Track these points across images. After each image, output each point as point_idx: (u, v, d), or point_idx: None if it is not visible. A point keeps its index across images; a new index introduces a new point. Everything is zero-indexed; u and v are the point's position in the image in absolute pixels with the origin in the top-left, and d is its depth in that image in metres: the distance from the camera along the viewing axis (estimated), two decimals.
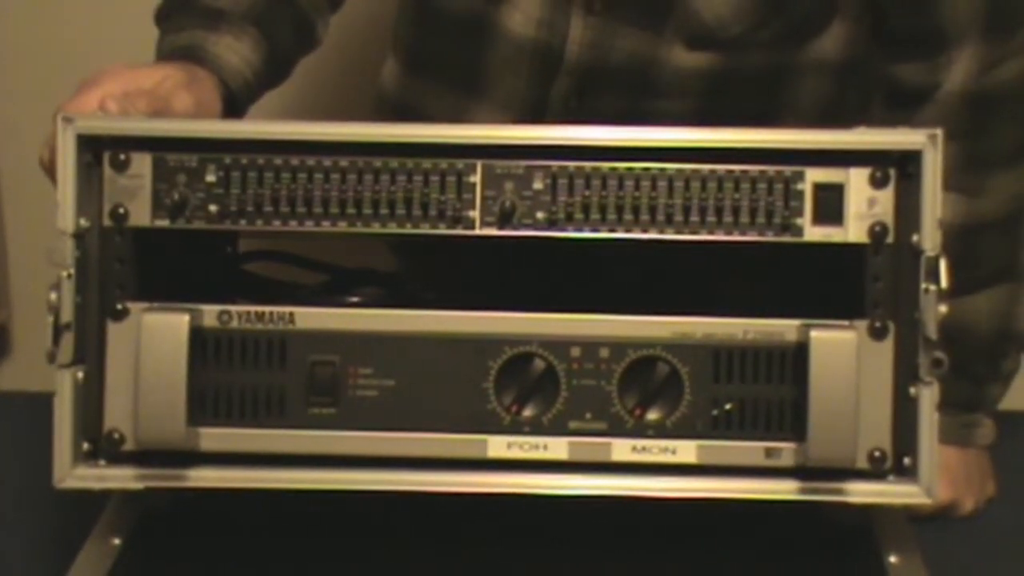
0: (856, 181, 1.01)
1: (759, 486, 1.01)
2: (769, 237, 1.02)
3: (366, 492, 1.01)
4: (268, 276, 1.19)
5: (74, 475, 1.02)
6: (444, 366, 1.01)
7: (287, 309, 1.02)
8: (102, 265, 1.02)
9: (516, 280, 1.10)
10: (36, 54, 2.01)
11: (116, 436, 1.01)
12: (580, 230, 1.02)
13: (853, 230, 1.01)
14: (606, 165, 1.01)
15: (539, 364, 1.01)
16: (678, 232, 1.02)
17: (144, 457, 1.02)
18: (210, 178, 1.02)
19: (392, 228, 1.02)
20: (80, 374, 1.01)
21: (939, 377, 1.00)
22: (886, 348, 1.01)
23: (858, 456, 1.00)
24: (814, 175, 1.01)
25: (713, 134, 1.02)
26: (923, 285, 0.99)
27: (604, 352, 1.01)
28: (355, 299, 1.14)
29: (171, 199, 1.02)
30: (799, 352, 1.00)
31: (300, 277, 1.20)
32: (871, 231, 1.01)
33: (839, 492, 1.02)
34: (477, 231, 1.02)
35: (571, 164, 1.01)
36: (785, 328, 1.01)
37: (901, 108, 1.29)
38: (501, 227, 1.02)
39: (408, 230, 1.02)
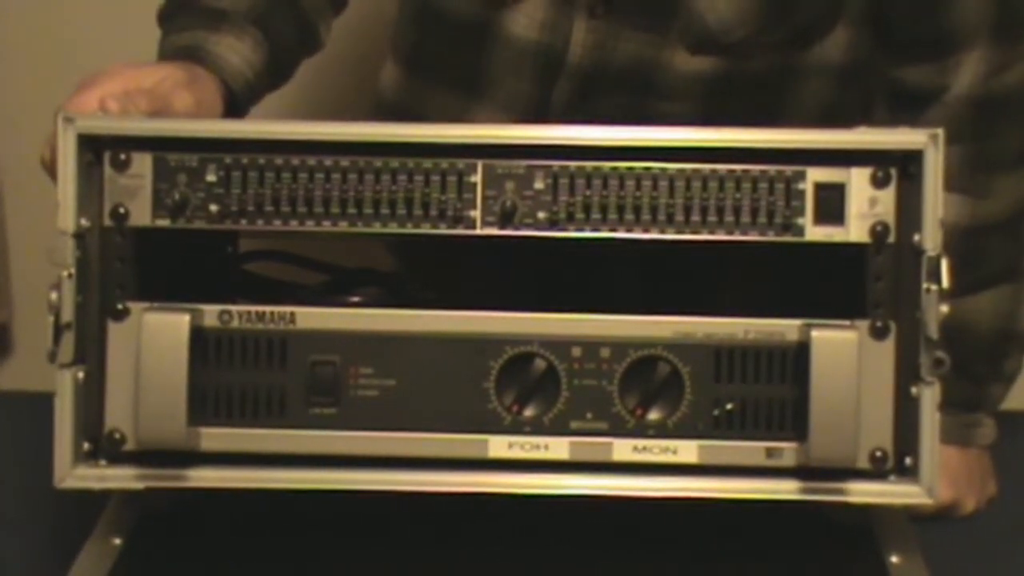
0: (857, 181, 1.01)
1: (760, 486, 1.01)
2: (770, 237, 1.01)
3: (367, 492, 1.01)
4: (269, 276, 1.19)
5: (75, 475, 1.02)
6: (445, 366, 1.01)
7: (288, 309, 1.02)
8: (103, 265, 1.02)
9: (517, 280, 1.10)
10: (36, 54, 2.01)
11: (117, 436, 1.01)
12: (581, 230, 1.02)
13: (854, 230, 1.01)
14: (607, 165, 1.01)
15: (540, 364, 1.01)
16: (679, 232, 1.02)
17: (144, 457, 1.02)
18: (211, 178, 1.02)
19: (393, 228, 1.02)
20: (81, 374, 1.01)
21: (940, 377, 1.00)
22: (887, 348, 1.01)
23: (859, 456, 1.00)
24: (815, 175, 1.01)
25: (714, 134, 1.02)
26: (924, 285, 0.99)
27: (605, 352, 1.01)
28: (356, 299, 1.14)
29: (172, 199, 1.01)
30: (800, 352, 1.00)
31: (300, 277, 1.20)
32: (872, 231, 1.01)
33: (840, 492, 1.02)
34: (478, 231, 1.02)
35: (572, 164, 1.01)
36: (786, 328, 1.01)
37: (907, 110, 1.29)
38: (502, 227, 1.02)
39: (409, 230, 1.02)
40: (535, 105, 1.32)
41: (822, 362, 0.98)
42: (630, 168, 1.01)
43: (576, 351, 1.01)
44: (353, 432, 1.02)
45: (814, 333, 0.99)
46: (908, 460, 1.01)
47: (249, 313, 1.02)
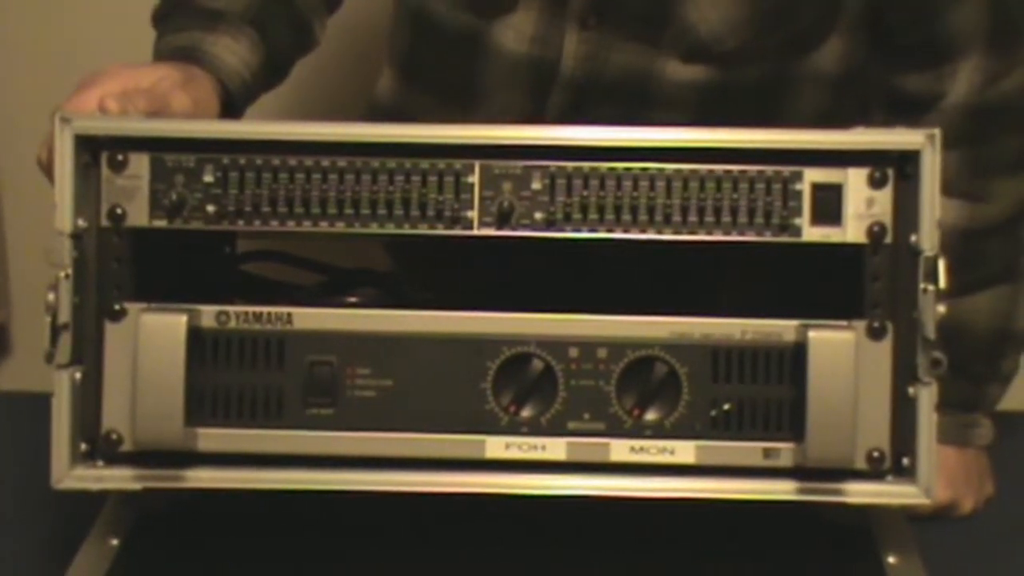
0: (854, 181, 1.01)
1: (757, 486, 1.01)
2: (768, 237, 1.01)
3: (364, 492, 1.01)
4: (266, 276, 1.19)
5: (72, 476, 1.02)
6: (442, 366, 1.01)
7: (285, 309, 1.02)
8: (100, 265, 1.02)
9: (514, 280, 1.10)
10: (36, 54, 2.01)
11: (114, 437, 1.01)
12: (578, 230, 1.02)
13: (851, 230, 1.01)
14: (604, 165, 1.01)
15: (537, 364, 1.01)
16: (676, 232, 1.02)
17: (142, 458, 1.02)
18: (208, 178, 1.02)
19: (390, 228, 1.02)
20: (78, 374, 1.01)
21: (938, 377, 1.00)
22: (884, 348, 1.01)
23: (856, 456, 1.00)
24: (812, 175, 1.01)
25: (711, 134, 1.02)
26: (921, 285, 0.99)
27: (602, 352, 1.01)
28: (353, 299, 1.14)
29: (169, 199, 1.02)
30: (797, 352, 1.00)
31: (298, 277, 1.20)
32: (869, 231, 1.01)
33: (837, 492, 1.01)
34: (475, 231, 1.02)
35: (569, 164, 1.01)
36: (783, 328, 1.01)
37: (904, 117, 1.29)
38: (499, 227, 1.02)
39: (406, 230, 1.02)
40: (528, 116, 1.31)
41: (819, 362, 0.98)
42: (627, 168, 1.01)
43: (573, 351, 1.01)
44: (350, 433, 1.02)
45: (811, 333, 0.99)
46: (905, 460, 1.01)
47: (246, 314, 1.02)
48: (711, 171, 1.01)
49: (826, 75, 1.32)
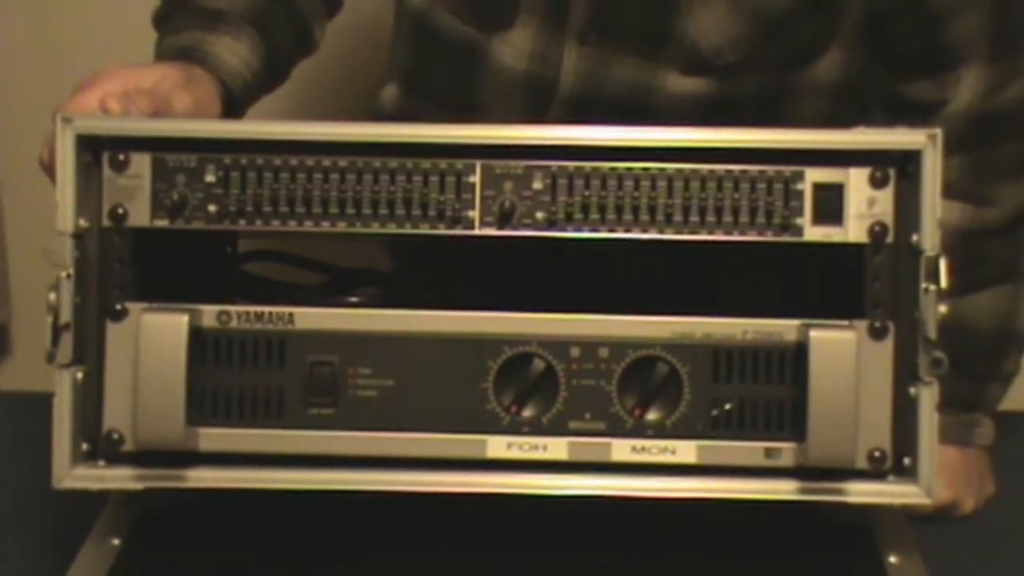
0: (856, 181, 1.01)
1: (759, 486, 1.01)
2: (769, 237, 1.01)
3: (365, 492, 1.01)
4: (267, 276, 1.19)
5: (73, 475, 1.02)
6: (443, 366, 1.01)
7: (286, 309, 1.02)
8: (101, 265, 1.02)
9: (515, 280, 1.10)
10: (36, 54, 2.01)
11: (115, 436, 1.01)
12: (579, 230, 1.02)
13: (853, 230, 1.01)
14: (605, 165, 1.01)
15: (538, 364, 1.01)
16: (678, 232, 1.01)
17: (143, 457, 1.02)
18: (209, 178, 1.02)
19: (391, 228, 1.02)
20: (79, 374, 1.01)
21: (939, 377, 1.00)
22: (886, 348, 1.01)
23: (858, 456, 1.00)
24: (814, 175, 1.01)
25: (713, 134, 1.02)
26: (923, 285, 0.99)
27: (603, 352, 1.01)
28: (354, 299, 1.14)
29: (170, 199, 1.01)
30: (799, 352, 1.00)
31: (299, 277, 1.20)
32: (871, 231, 1.01)
33: (839, 492, 1.01)
34: (476, 231, 1.02)
35: (571, 164, 1.01)
36: (785, 328, 1.01)
37: (906, 120, 1.29)
38: (500, 227, 1.02)
39: (407, 230, 1.02)
40: None
41: (820, 362, 0.98)
42: (628, 168, 1.01)
43: (575, 351, 1.01)
44: (351, 432, 1.02)
45: (812, 333, 0.99)
46: (907, 460, 1.01)
47: (248, 313, 1.02)
48: (712, 171, 1.01)
49: (826, 84, 1.32)
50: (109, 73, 1.12)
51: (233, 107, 1.21)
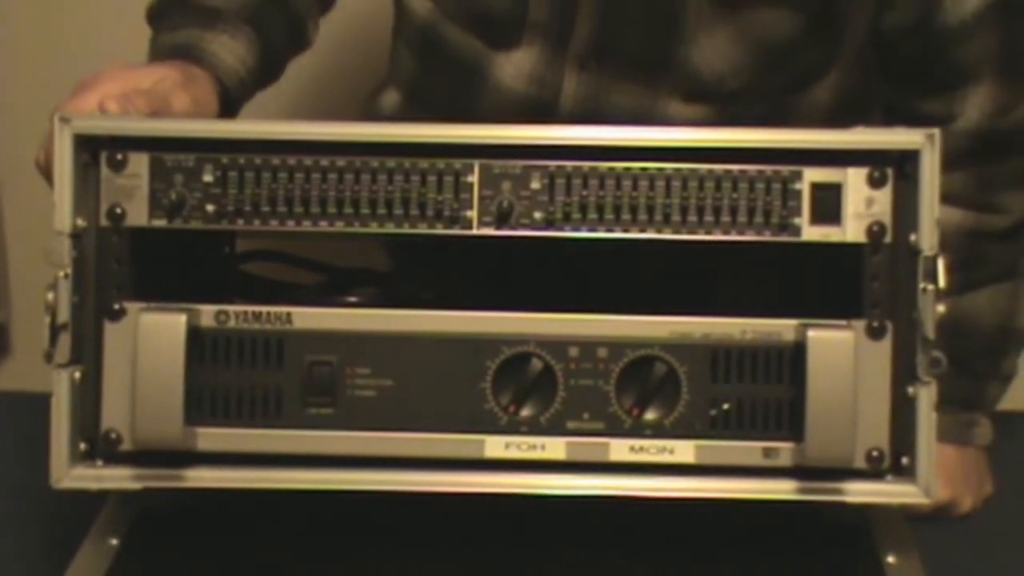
0: (854, 181, 1.01)
1: (757, 486, 1.01)
2: (767, 237, 1.01)
3: (364, 492, 1.01)
4: (265, 276, 1.19)
5: (71, 475, 1.02)
6: (441, 366, 1.01)
7: (284, 309, 1.02)
8: (99, 265, 1.02)
9: (513, 280, 1.10)
10: (36, 54, 2.01)
11: (113, 436, 1.01)
12: (578, 230, 1.02)
13: (851, 230, 1.01)
14: (604, 165, 1.01)
15: (537, 364, 1.01)
16: (676, 232, 1.01)
17: (141, 457, 1.02)
18: (207, 178, 1.02)
19: (390, 228, 1.02)
20: (77, 374, 1.01)
21: (937, 376, 1.00)
22: (884, 348, 1.01)
23: (856, 456, 1.00)
24: (812, 175, 1.01)
25: (711, 134, 1.02)
26: (921, 285, 0.99)
27: (602, 352, 1.01)
28: (353, 299, 1.14)
29: (168, 199, 1.01)
30: (797, 352, 1.00)
31: (297, 277, 1.20)
32: (869, 231, 1.01)
33: (837, 492, 1.01)
34: (474, 231, 1.02)
35: (569, 164, 1.01)
36: (783, 328, 1.01)
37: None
38: (499, 227, 1.02)
39: (405, 230, 1.02)
40: None
41: (819, 362, 0.98)
42: (627, 168, 1.01)
43: (573, 351, 1.01)
44: (350, 432, 1.02)
45: (811, 333, 0.99)
46: (905, 460, 1.01)
47: (246, 313, 1.02)
48: (711, 171, 1.01)
49: (823, 104, 1.32)
50: (107, 75, 1.11)
51: (229, 105, 1.21)
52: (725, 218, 1.01)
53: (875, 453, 1.01)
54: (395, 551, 1.07)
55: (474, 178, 1.02)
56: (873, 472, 1.01)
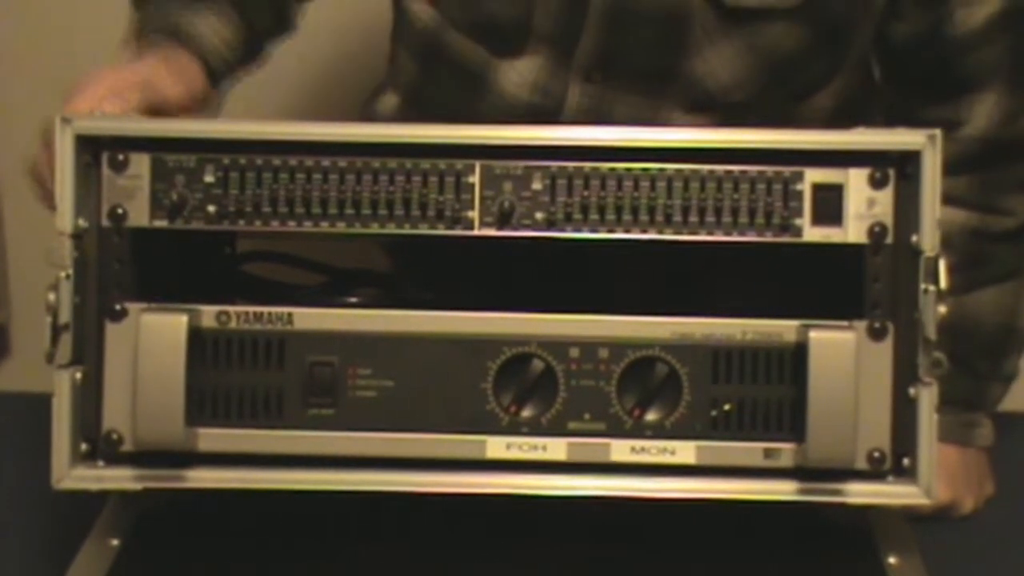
0: (855, 181, 1.01)
1: (758, 487, 1.01)
2: (768, 237, 1.01)
3: (365, 493, 1.01)
4: (266, 277, 1.19)
5: (72, 476, 1.02)
6: (443, 367, 1.01)
7: (286, 310, 1.02)
8: (100, 265, 1.02)
9: (515, 280, 1.10)
10: (35, 54, 2.01)
11: (114, 437, 1.01)
12: (579, 230, 1.02)
13: (852, 230, 1.01)
14: (605, 165, 1.01)
15: (538, 365, 1.01)
16: (677, 232, 1.01)
17: (142, 458, 1.02)
18: (208, 178, 1.02)
19: (391, 229, 1.02)
20: (78, 375, 1.01)
21: (939, 377, 1.00)
22: (885, 349, 1.01)
23: (857, 457, 1.00)
24: (813, 175, 1.01)
25: (712, 134, 1.02)
26: (922, 285, 0.99)
27: (603, 353, 1.01)
28: (354, 300, 1.14)
29: (169, 199, 1.02)
30: (798, 353, 1.00)
31: (298, 278, 1.20)
32: (870, 231, 1.01)
33: (838, 493, 1.01)
34: (476, 232, 1.02)
35: (570, 164, 1.01)
36: (784, 329, 1.01)
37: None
38: (500, 228, 1.02)
39: (407, 231, 1.02)
40: None
41: (820, 363, 0.98)
42: (628, 169, 1.01)
43: (574, 352, 1.01)
44: (351, 433, 1.02)
45: (812, 334, 0.99)
46: (906, 461, 1.01)
47: (247, 314, 1.02)
48: (712, 171, 1.01)
49: (824, 110, 1.32)
50: (97, 76, 1.11)
51: (213, 85, 1.22)
52: (726, 219, 1.01)
53: (876, 454, 1.01)
54: (395, 552, 1.07)
55: (475, 179, 1.02)
56: (874, 473, 1.01)
